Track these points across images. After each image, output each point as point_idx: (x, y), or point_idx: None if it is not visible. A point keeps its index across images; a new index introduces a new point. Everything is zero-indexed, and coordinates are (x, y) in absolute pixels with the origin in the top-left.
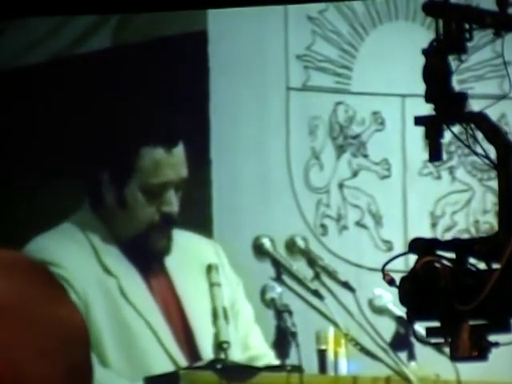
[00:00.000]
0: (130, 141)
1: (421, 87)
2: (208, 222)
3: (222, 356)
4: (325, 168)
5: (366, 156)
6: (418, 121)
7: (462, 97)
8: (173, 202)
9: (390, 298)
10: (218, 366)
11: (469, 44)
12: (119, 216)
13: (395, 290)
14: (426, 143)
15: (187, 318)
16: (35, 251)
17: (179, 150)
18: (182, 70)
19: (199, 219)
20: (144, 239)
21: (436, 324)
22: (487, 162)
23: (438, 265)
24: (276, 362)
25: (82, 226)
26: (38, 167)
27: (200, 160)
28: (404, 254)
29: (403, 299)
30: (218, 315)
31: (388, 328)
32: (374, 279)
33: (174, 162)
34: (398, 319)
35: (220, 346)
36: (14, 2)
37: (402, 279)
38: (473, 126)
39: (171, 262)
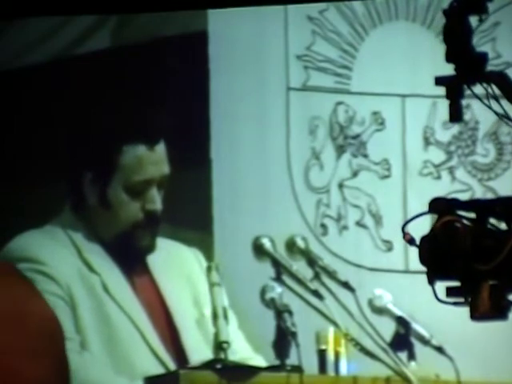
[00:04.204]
0: (112, 139)
1: (421, 87)
2: (208, 222)
3: (222, 356)
4: (325, 168)
5: (366, 156)
6: (439, 81)
7: (483, 57)
8: (156, 200)
9: (389, 298)
10: (218, 366)
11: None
12: (102, 216)
13: (395, 291)
14: (448, 104)
15: (171, 315)
16: (16, 249)
17: (161, 148)
18: (182, 70)
19: (199, 219)
20: (128, 238)
21: (456, 284)
22: (508, 122)
23: (458, 224)
24: (263, 364)
25: (64, 226)
26: (21, 168)
27: (200, 160)
28: (424, 213)
29: (423, 259)
30: (217, 315)
31: (388, 328)
32: (374, 279)
33: (156, 159)
34: (398, 319)
35: (220, 346)
36: (13, 2)
37: (422, 239)
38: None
39: (154, 263)
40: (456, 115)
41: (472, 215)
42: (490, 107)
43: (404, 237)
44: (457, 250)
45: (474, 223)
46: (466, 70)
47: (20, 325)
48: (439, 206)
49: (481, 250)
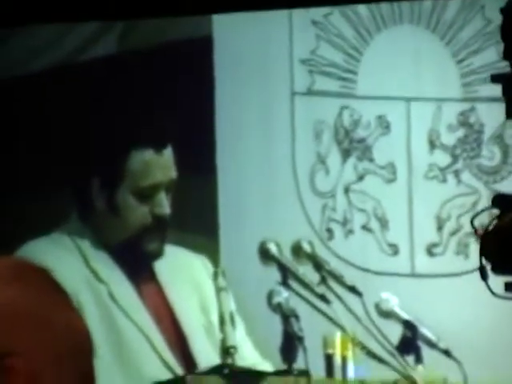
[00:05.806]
0: (120, 144)
1: (426, 90)
2: (214, 227)
3: (229, 361)
4: (330, 172)
5: (371, 160)
6: (495, 78)
7: None
8: (164, 204)
9: (396, 301)
10: (225, 371)
11: (473, 48)
12: (110, 221)
13: (401, 294)
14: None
15: (179, 322)
16: (24, 257)
17: (168, 152)
18: (186, 76)
19: (205, 224)
20: (136, 242)
21: None
22: None
23: None
24: (271, 369)
25: (71, 233)
26: (28, 176)
27: (206, 165)
28: (488, 208)
29: (487, 253)
30: (224, 320)
31: (395, 332)
32: (381, 283)
33: (163, 163)
34: (405, 323)
35: (227, 351)
36: (17, 9)
37: (486, 234)
38: None
39: (161, 270)
40: None
41: None
42: None
43: (475, 232)
44: None
45: None
46: None
47: (47, 330)
48: (503, 201)
49: None
